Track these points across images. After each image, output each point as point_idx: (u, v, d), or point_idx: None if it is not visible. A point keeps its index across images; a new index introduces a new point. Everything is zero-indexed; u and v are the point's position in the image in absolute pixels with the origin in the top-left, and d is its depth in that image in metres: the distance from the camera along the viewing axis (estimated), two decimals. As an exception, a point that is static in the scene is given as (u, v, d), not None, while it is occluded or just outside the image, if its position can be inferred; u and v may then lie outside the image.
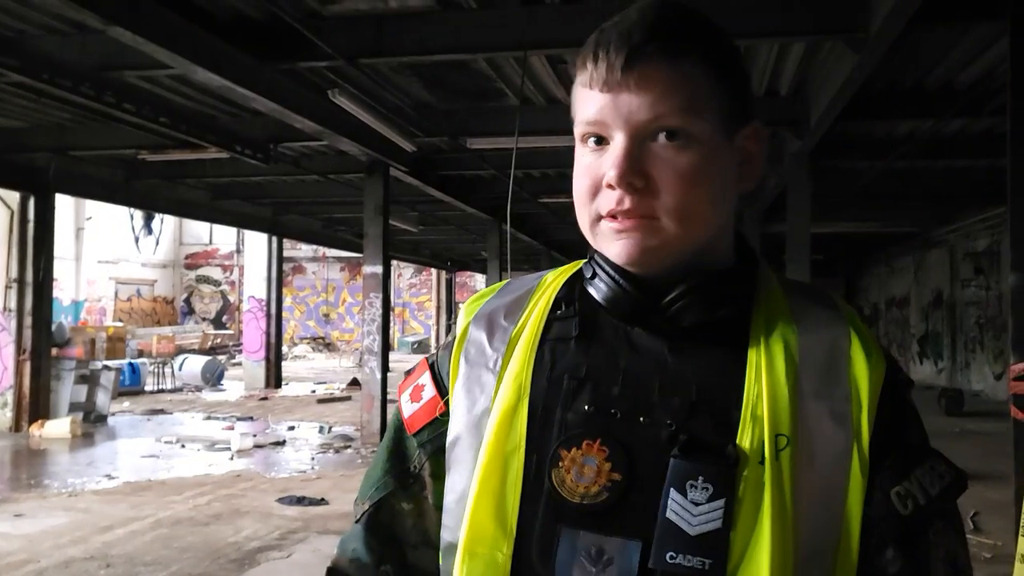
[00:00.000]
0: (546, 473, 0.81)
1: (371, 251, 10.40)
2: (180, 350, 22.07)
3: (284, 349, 20.39)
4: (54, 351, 11.53)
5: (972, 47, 6.45)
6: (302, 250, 31.39)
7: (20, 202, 11.00)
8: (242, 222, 16.60)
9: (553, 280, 0.94)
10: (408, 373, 0.99)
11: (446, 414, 0.90)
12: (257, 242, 17.78)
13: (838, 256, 23.60)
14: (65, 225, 22.90)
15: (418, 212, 15.79)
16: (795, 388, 0.80)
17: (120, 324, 22.94)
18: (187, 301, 32.46)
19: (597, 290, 0.86)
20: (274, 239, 17.74)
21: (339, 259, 32.21)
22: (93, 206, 24.09)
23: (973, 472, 7.60)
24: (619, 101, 0.79)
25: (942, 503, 0.81)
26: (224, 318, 32.12)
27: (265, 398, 15.74)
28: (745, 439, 0.78)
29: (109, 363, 13.37)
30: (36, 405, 11.01)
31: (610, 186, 0.80)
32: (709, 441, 0.78)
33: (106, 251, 27.36)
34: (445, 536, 0.86)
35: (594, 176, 0.82)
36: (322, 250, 30.58)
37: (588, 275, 0.89)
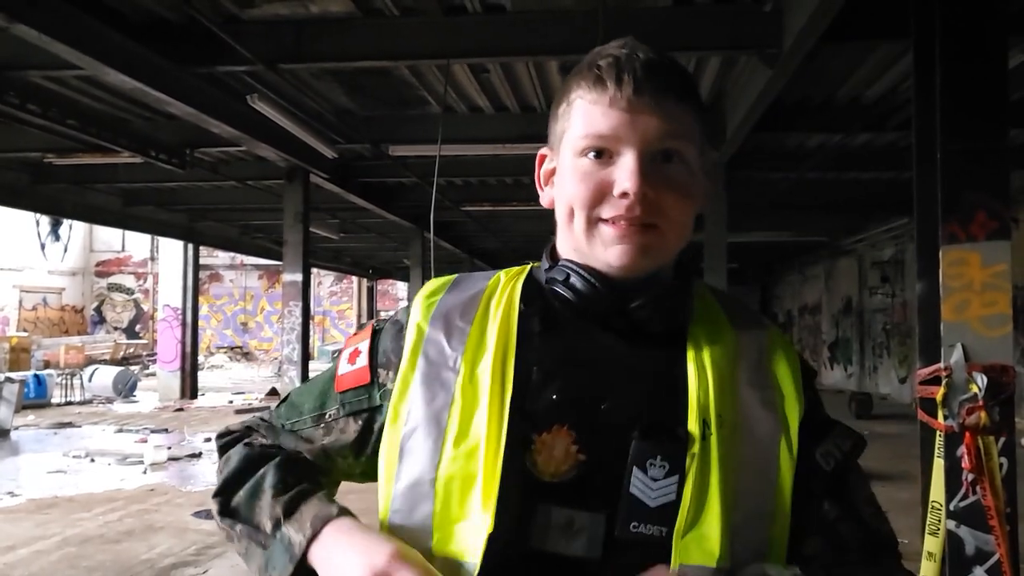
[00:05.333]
0: (520, 456, 0.88)
1: (291, 259, 10.22)
2: (90, 360, 21.28)
3: (200, 359, 19.83)
4: (-48, 363, 10.98)
5: (878, 65, 6.73)
6: (219, 257, 30.61)
7: (-85, 206, 10.45)
8: (156, 229, 16.08)
9: (507, 281, 1.01)
10: (360, 328, 1.10)
11: (368, 386, 0.99)
12: (172, 249, 17.27)
13: (753, 264, 24.27)
14: (-35, 231, 21.83)
15: (339, 219, 15.59)
16: (734, 377, 0.93)
17: (25, 334, 22.02)
18: (98, 310, 31.29)
19: (570, 289, 0.94)
20: (190, 246, 17.27)
21: (257, 267, 31.52)
22: (-5, 211, 23.03)
23: (882, 473, 7.90)
24: (635, 121, 0.90)
25: (852, 458, 0.99)
26: (137, 327, 31.08)
27: (180, 409, 15.26)
28: (692, 421, 0.89)
29: (12, 375, 12.82)
30: (-68, 420, 10.45)
31: (624, 194, 0.89)
32: (663, 425, 0.89)
33: (9, 258, 26.18)
34: (394, 520, 0.91)
35: (599, 183, 0.91)
36: (240, 258, 29.89)
37: (561, 278, 0.96)
